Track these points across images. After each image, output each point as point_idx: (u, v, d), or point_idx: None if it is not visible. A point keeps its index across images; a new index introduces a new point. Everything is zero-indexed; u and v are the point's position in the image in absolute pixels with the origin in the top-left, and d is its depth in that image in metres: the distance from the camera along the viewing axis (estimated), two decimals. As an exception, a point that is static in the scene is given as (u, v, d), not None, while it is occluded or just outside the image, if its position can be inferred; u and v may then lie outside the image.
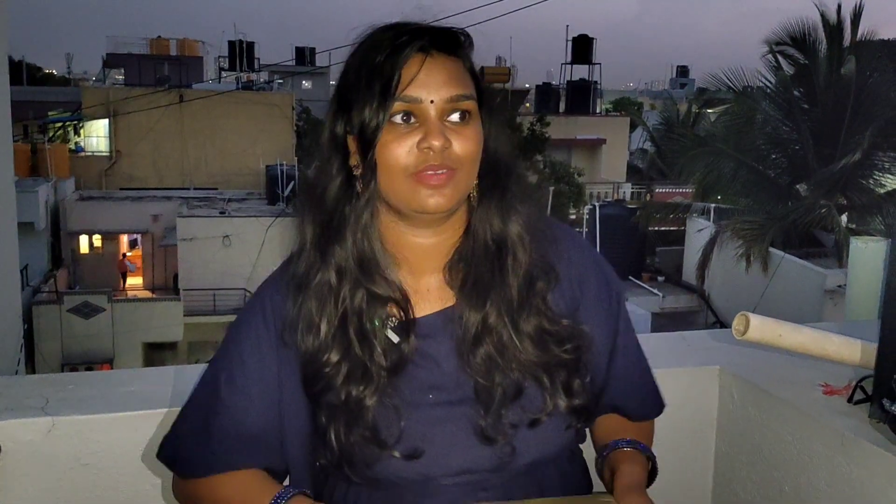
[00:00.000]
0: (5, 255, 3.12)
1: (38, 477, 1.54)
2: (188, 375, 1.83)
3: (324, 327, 1.08)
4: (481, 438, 1.09)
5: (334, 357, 1.08)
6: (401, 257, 1.12)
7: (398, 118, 1.04)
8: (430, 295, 1.14)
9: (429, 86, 1.03)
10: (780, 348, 1.71)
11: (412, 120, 1.04)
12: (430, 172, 1.04)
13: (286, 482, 1.17)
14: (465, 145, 1.06)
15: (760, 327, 1.67)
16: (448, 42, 1.07)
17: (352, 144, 1.08)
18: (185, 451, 1.16)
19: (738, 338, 1.68)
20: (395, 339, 1.09)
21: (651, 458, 1.20)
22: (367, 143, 1.04)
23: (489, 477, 1.11)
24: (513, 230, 1.13)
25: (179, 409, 1.58)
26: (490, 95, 1.12)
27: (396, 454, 1.07)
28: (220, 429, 1.12)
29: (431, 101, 1.04)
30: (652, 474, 1.19)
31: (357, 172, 1.08)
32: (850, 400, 1.68)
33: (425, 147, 1.03)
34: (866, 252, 3.21)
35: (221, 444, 1.12)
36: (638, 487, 1.09)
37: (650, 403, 1.30)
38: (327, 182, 1.09)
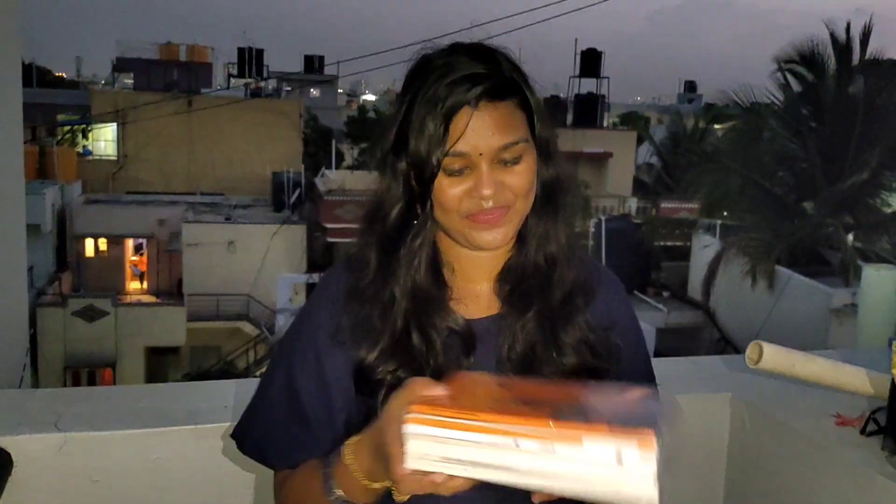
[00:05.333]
0: (13, 260, 3.12)
1: (50, 493, 1.54)
2: (200, 392, 1.83)
3: (384, 339, 1.12)
4: None
5: (391, 366, 1.11)
6: (456, 265, 1.18)
7: (450, 167, 1.08)
8: (480, 300, 1.19)
9: (476, 139, 1.06)
10: (793, 377, 1.71)
11: (464, 170, 1.08)
12: (482, 214, 1.09)
13: None
14: (518, 182, 1.10)
15: (774, 357, 1.67)
16: (499, 89, 1.08)
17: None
18: (274, 443, 1.18)
19: (752, 366, 1.68)
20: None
21: None
22: (423, 184, 1.09)
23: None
24: (562, 248, 1.18)
25: (193, 426, 1.60)
26: (545, 126, 1.14)
27: None
28: (303, 416, 1.15)
29: (480, 154, 1.07)
30: None
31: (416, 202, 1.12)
32: (862, 431, 1.67)
33: (476, 195, 1.08)
34: (878, 279, 3.21)
35: (310, 430, 1.14)
36: None
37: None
38: (390, 205, 1.13)
